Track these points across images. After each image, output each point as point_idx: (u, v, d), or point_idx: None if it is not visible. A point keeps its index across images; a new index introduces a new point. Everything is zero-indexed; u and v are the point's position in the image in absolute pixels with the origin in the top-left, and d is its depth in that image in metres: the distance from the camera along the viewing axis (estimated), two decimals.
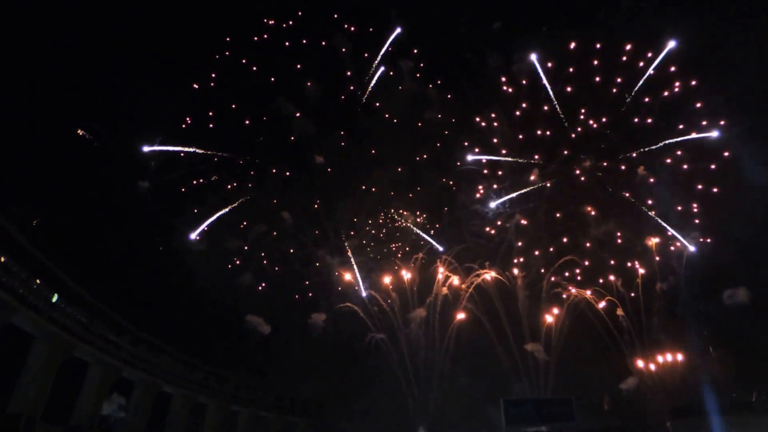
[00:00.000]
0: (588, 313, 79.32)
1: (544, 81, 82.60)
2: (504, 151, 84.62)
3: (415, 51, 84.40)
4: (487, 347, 77.73)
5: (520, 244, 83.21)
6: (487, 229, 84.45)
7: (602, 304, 79.01)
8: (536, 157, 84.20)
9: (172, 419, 58.31)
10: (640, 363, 76.37)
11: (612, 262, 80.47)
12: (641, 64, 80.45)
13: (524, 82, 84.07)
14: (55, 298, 46.29)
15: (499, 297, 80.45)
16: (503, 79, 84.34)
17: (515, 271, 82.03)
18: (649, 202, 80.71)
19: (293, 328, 75.71)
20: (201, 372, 60.87)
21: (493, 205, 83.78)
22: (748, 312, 70.99)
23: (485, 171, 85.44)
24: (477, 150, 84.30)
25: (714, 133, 77.45)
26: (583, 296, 79.46)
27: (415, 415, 75.48)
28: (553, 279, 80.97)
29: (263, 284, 77.70)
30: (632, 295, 78.76)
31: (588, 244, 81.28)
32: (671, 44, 77.97)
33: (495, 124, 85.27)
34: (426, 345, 78.61)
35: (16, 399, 43.97)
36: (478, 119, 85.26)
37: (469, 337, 78.11)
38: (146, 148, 74.70)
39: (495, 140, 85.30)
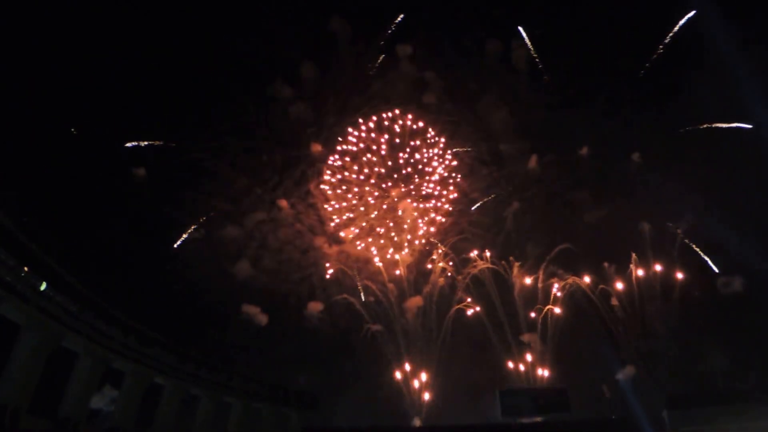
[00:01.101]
0: (583, 303, 79.33)
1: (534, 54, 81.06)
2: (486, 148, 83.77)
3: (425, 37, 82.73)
4: (484, 338, 77.52)
5: (516, 233, 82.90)
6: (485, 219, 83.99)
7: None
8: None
9: (163, 411, 56.89)
10: None
11: (607, 250, 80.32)
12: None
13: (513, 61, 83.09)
14: (43, 287, 44.77)
15: (496, 287, 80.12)
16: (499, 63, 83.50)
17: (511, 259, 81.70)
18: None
19: (288, 318, 74.78)
20: (192, 362, 59.44)
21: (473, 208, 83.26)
22: (743, 299, 71.28)
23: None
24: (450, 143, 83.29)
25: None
26: (578, 285, 79.26)
27: (410, 406, 75.07)
28: (549, 268, 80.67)
29: (258, 273, 76.40)
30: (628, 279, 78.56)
31: (583, 232, 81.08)
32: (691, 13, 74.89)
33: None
34: (422, 336, 78.10)
35: (2, 390, 42.19)
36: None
37: (465, 328, 77.75)
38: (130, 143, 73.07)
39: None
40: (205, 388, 60.55)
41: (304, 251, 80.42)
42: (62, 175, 62.90)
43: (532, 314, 79.08)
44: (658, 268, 78.77)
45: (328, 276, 79.29)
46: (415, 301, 79.17)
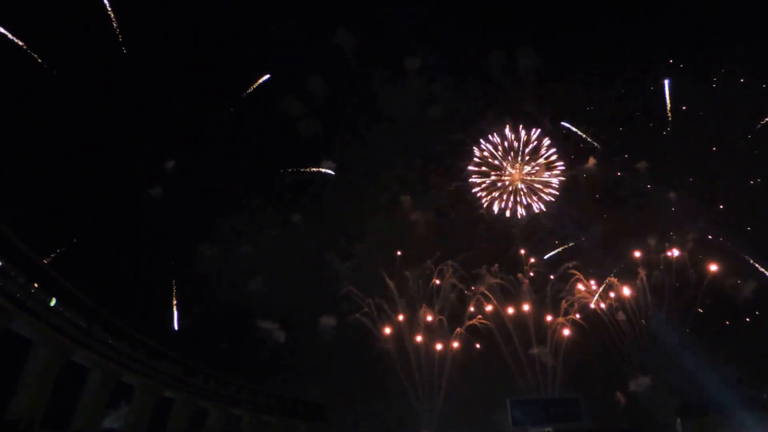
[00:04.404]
0: (593, 317, 78.57)
1: None
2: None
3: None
4: (495, 351, 77.16)
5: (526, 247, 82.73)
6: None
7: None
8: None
9: (173, 424, 57.68)
10: None
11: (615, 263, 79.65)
12: None
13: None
14: (53, 303, 46.00)
15: (505, 301, 79.82)
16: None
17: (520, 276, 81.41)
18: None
19: (299, 332, 75.26)
20: (201, 375, 60.22)
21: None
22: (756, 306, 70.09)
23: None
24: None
25: None
26: (587, 299, 78.59)
27: (419, 418, 74.74)
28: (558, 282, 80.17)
29: (272, 288, 76.96)
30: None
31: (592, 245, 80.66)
32: None
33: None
34: (433, 351, 77.87)
35: (15, 405, 43.59)
36: None
37: (476, 340, 77.61)
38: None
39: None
40: (214, 401, 61.28)
41: (318, 267, 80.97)
42: (77, 193, 64.36)
43: (544, 325, 78.48)
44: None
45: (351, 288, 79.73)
46: (426, 315, 79.29)
